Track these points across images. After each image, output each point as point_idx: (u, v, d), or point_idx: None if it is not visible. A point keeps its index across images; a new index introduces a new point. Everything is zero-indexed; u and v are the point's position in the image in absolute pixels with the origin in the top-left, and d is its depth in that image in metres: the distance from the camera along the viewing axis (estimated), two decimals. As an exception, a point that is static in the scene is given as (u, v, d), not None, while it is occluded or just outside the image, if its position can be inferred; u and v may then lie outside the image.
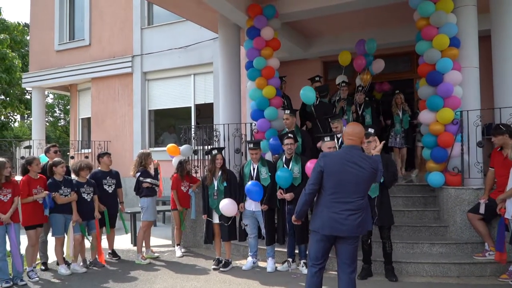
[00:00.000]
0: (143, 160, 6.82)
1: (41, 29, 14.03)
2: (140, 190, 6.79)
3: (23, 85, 14.41)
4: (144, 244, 6.79)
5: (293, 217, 3.84)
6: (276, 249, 5.99)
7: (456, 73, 6.04)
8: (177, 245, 7.10)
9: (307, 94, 6.81)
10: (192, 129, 8.30)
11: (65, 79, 13.32)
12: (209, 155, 6.06)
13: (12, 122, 25.67)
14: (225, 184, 5.94)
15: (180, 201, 6.94)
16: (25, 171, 5.85)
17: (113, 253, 6.98)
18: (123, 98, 12.30)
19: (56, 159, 6.20)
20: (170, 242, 7.83)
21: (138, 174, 6.74)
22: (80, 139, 13.70)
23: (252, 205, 5.81)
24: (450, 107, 6.00)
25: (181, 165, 7.06)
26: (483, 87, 6.46)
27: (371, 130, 5.19)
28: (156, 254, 6.94)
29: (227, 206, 5.67)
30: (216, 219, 5.98)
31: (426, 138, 6.28)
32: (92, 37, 12.94)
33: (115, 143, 12.26)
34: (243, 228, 5.95)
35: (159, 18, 11.95)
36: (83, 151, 13.14)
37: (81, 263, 6.26)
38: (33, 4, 14.33)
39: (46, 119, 26.92)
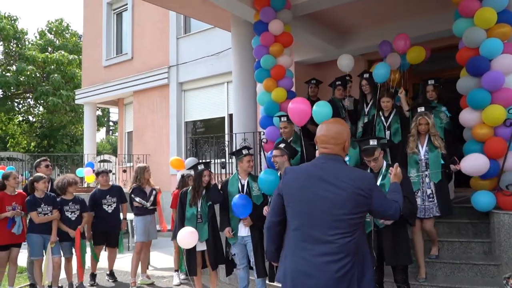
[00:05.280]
0: (139, 175, 6.15)
1: (91, 46, 14.39)
2: (132, 208, 6.14)
3: (77, 101, 14.86)
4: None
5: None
6: (269, 282, 4.87)
7: (508, 57, 4.51)
8: (176, 271, 6.32)
9: (321, 111, 5.05)
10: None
11: (111, 94, 13.41)
12: (194, 170, 5.17)
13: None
14: (209, 204, 5.01)
15: None
16: (2, 187, 5.47)
17: (111, 274, 6.43)
18: (160, 110, 11.98)
19: (37, 174, 5.76)
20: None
21: (131, 190, 6.10)
22: (126, 153, 13.65)
23: (242, 230, 4.78)
24: (501, 104, 4.49)
25: (183, 179, 6.27)
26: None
27: (373, 143, 3.95)
28: (150, 280, 6.20)
29: (185, 237, 4.68)
30: (199, 246, 5.02)
31: (469, 146, 4.79)
32: (134, 51, 12.88)
33: (153, 156, 11.93)
34: (230, 258, 4.95)
35: (195, 26, 11.47)
36: (128, 164, 13.05)
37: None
38: (85, 22, 14.80)
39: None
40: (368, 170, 4.02)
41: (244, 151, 4.89)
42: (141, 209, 6.07)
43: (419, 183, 4.53)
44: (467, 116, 4.78)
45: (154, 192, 6.26)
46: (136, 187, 6.11)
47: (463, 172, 4.54)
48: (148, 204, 6.08)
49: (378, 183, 3.86)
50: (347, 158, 4.77)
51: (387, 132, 5.44)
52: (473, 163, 4.46)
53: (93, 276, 6.27)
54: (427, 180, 4.55)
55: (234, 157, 5.19)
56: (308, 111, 4.98)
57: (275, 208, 2.49)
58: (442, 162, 4.47)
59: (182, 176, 6.51)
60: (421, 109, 4.76)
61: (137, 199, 6.02)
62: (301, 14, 6.77)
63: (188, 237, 4.64)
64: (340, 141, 2.38)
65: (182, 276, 6.30)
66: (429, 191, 4.52)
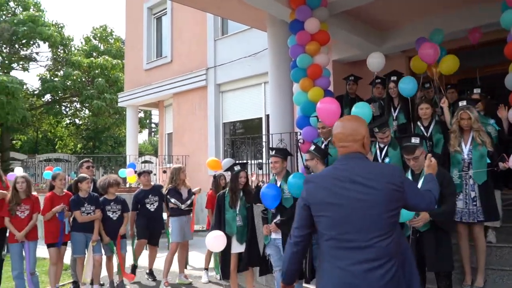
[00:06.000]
0: (174, 176, 6.24)
1: (133, 50, 14.81)
2: (168, 209, 6.24)
3: (119, 104, 15.33)
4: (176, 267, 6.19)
5: (281, 283, 2.49)
6: (306, 285, 4.79)
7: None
8: (205, 269, 6.38)
9: (360, 113, 4.87)
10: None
11: (152, 96, 13.74)
12: (231, 172, 5.17)
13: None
14: (248, 205, 5.00)
15: None
16: (51, 187, 5.70)
17: (151, 273, 6.56)
18: (199, 111, 12.15)
19: (81, 175, 5.96)
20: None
21: (166, 191, 6.20)
22: (166, 154, 13.93)
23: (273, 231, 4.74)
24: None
25: (215, 179, 6.30)
26: None
27: (415, 141, 3.78)
28: (188, 280, 6.27)
29: (213, 240, 4.68)
30: (238, 248, 5.02)
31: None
32: (173, 54, 13.13)
33: (192, 157, 12.11)
34: (267, 258, 4.90)
35: (232, 28, 11.54)
36: (168, 165, 13.31)
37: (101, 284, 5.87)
38: (127, 27, 15.25)
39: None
40: (409, 172, 3.86)
41: (236, 168, 5.00)
42: (176, 210, 6.14)
43: (462, 184, 4.27)
44: (516, 114, 4.50)
45: (191, 193, 6.33)
46: (172, 188, 6.19)
47: None
48: (183, 206, 6.12)
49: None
50: (387, 160, 4.61)
51: (428, 143, 5.09)
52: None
53: (134, 266, 6.43)
54: (470, 181, 4.27)
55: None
56: (337, 111, 4.87)
57: (302, 221, 2.30)
58: (488, 161, 4.18)
59: (214, 177, 6.55)
60: (462, 103, 4.48)
61: (172, 200, 6.10)
62: (338, 12, 6.63)
63: (215, 241, 4.65)
64: (359, 137, 2.23)
65: (218, 277, 6.33)
66: (473, 194, 4.25)
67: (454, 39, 7.51)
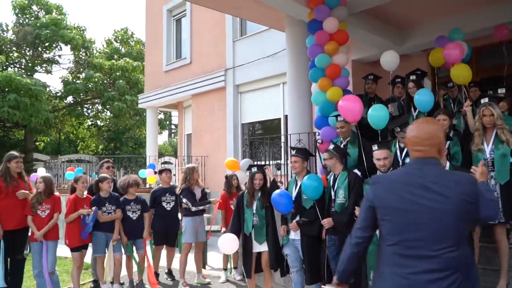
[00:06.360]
0: (188, 175, 6.27)
1: (153, 52, 14.98)
2: (181, 209, 6.27)
3: (139, 105, 15.51)
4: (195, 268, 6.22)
5: (334, 279, 2.47)
6: (324, 287, 4.75)
7: None
8: (224, 269, 6.42)
9: (377, 115, 4.86)
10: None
11: (171, 97, 13.85)
12: (249, 173, 5.18)
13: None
14: (264, 210, 4.99)
15: (227, 222, 6.14)
16: (73, 190, 5.79)
17: (169, 273, 6.61)
18: (218, 112, 12.19)
19: (101, 175, 6.05)
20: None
21: (180, 191, 6.23)
22: (185, 155, 14.03)
23: (292, 232, 4.73)
24: None
25: (227, 180, 6.30)
26: None
27: None
28: (206, 280, 6.29)
29: (225, 243, 4.70)
30: (256, 248, 5.02)
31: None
32: (193, 55, 13.22)
33: (211, 157, 12.16)
34: (285, 259, 4.89)
35: (251, 28, 11.55)
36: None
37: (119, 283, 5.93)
38: (147, 29, 15.43)
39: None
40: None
41: (253, 169, 5.06)
42: (189, 210, 6.16)
43: None
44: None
45: (205, 193, 6.35)
46: (185, 188, 6.21)
47: None
48: (194, 209, 6.11)
49: None
50: (407, 160, 4.53)
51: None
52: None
53: (156, 274, 6.46)
54: (492, 182, 4.14)
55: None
56: (359, 108, 4.82)
57: (366, 222, 2.26)
58: (511, 160, 4.04)
59: (226, 177, 6.56)
60: (484, 100, 4.37)
61: (184, 200, 6.12)
62: (357, 11, 6.56)
63: (227, 243, 4.67)
64: (435, 142, 2.15)
65: (239, 277, 6.34)
66: (495, 194, 4.14)
67: (478, 37, 7.36)
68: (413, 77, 5.73)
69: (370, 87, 6.80)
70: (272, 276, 5.13)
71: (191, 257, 6.36)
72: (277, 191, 4.68)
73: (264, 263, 4.99)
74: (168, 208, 6.44)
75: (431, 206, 2.02)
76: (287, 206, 4.54)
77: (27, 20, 22.94)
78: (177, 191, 6.32)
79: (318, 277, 4.57)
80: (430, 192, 2.04)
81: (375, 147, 4.07)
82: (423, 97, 5.20)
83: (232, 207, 6.22)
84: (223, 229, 6.26)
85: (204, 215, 6.70)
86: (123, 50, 26.50)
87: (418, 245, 2.03)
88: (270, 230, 4.98)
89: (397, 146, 4.58)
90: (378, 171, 4.13)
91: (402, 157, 4.44)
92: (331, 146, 4.59)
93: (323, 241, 4.53)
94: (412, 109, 5.74)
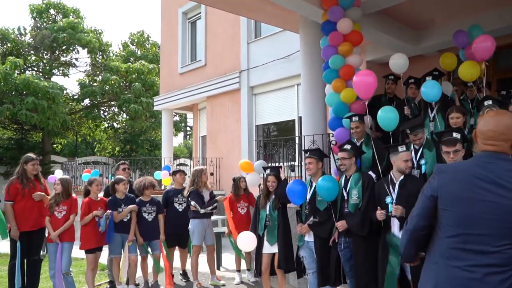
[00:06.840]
0: (196, 178, 6.29)
1: (168, 54, 15.11)
2: (189, 211, 6.31)
3: (155, 108, 15.66)
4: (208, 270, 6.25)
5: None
6: (339, 289, 4.73)
7: None
8: (237, 271, 6.43)
9: (386, 117, 4.82)
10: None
11: (186, 100, 13.93)
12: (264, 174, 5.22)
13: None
14: (276, 212, 5.00)
15: (235, 225, 6.14)
16: (87, 193, 5.86)
17: (184, 274, 6.65)
18: (232, 114, 12.24)
19: (118, 176, 6.13)
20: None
21: (188, 194, 6.26)
22: (200, 157, 14.11)
23: (307, 233, 4.72)
24: None
25: (235, 182, 6.32)
26: None
27: (456, 135, 3.66)
28: (221, 282, 6.31)
29: (243, 240, 4.74)
30: (267, 249, 5.03)
31: None
32: (207, 57, 13.31)
33: (226, 159, 12.20)
34: (301, 260, 4.88)
35: (265, 30, 11.57)
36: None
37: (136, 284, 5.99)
38: (162, 32, 15.58)
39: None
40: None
41: (267, 171, 5.15)
42: (197, 212, 6.18)
43: None
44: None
45: (213, 196, 6.37)
46: (193, 190, 6.23)
47: None
48: (202, 211, 6.13)
49: None
50: (422, 161, 4.47)
51: None
52: None
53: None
54: None
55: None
56: (374, 84, 4.83)
57: (425, 211, 2.21)
58: None
59: (233, 180, 6.56)
60: (488, 102, 4.29)
61: (192, 202, 6.15)
62: (371, 11, 6.54)
63: (246, 241, 4.70)
64: (509, 138, 2.08)
65: (253, 279, 6.35)
66: None
67: (495, 38, 7.23)
68: (429, 78, 5.66)
69: (390, 87, 6.72)
70: (285, 277, 5.13)
71: (204, 259, 6.39)
72: (291, 181, 4.72)
73: (276, 265, 5.01)
74: (180, 209, 6.47)
75: (498, 202, 1.98)
76: (302, 192, 4.56)
77: (44, 24, 23.38)
78: (185, 193, 6.33)
79: (330, 279, 4.56)
80: (500, 188, 1.99)
81: (402, 148, 4.05)
82: (429, 90, 5.17)
83: (239, 210, 6.25)
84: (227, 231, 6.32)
85: (215, 217, 6.70)
86: (139, 52, 26.80)
87: (480, 240, 2.00)
88: (281, 232, 4.99)
89: (412, 147, 4.53)
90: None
91: (417, 158, 4.39)
92: (348, 146, 4.57)
93: (333, 243, 4.51)
94: (429, 110, 5.67)
